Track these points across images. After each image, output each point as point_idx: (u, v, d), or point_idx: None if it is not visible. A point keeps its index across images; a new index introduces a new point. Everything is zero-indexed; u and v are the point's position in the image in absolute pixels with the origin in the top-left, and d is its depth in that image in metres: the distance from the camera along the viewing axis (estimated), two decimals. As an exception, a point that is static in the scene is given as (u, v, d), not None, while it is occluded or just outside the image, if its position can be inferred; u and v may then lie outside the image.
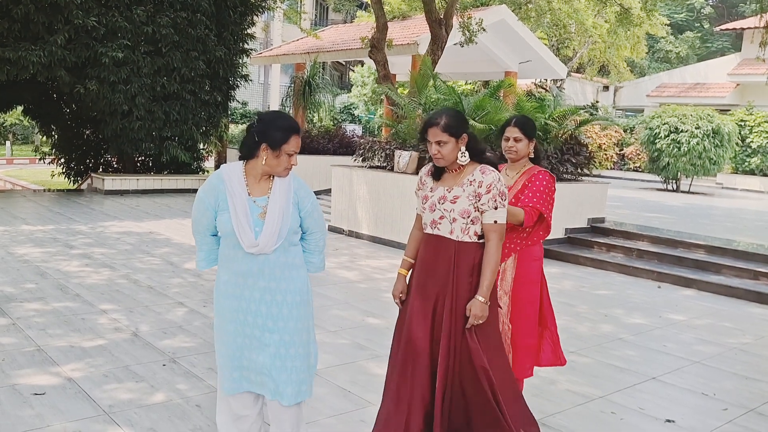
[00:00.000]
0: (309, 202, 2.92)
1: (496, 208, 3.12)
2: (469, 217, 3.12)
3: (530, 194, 3.72)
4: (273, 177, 2.87)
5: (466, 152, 3.15)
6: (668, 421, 4.12)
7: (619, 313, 6.68)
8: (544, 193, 3.73)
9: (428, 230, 3.22)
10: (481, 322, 3.07)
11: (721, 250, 8.70)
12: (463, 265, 3.13)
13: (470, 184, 3.13)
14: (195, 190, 14.96)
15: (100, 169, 15.81)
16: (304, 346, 2.92)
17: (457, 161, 3.15)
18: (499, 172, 3.32)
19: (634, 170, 23.80)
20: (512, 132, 3.79)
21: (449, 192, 3.16)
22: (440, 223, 3.16)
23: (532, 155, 3.86)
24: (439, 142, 3.11)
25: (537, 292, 3.81)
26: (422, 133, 3.20)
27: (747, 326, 6.47)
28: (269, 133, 2.75)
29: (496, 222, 3.13)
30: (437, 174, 3.26)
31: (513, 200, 3.75)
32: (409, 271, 3.35)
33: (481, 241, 3.16)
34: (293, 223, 2.86)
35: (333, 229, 10.77)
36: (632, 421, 4.10)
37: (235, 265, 2.86)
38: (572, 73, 28.12)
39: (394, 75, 13.62)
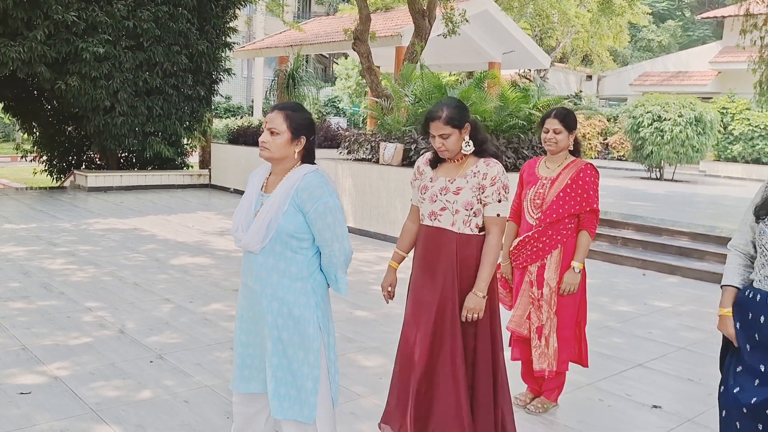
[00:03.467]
0: (313, 206, 2.58)
1: (499, 201, 3.08)
2: (472, 209, 3.08)
3: (583, 193, 3.73)
4: (288, 174, 2.67)
5: (470, 141, 3.11)
6: (655, 406, 4.16)
7: (605, 301, 6.73)
8: (595, 190, 3.77)
9: (427, 222, 3.17)
10: (476, 316, 3.05)
11: (704, 236, 8.77)
12: (466, 259, 3.09)
13: (474, 176, 3.09)
14: (179, 186, 14.89)
15: (83, 166, 15.65)
16: (291, 363, 2.64)
17: (462, 151, 3.11)
18: (536, 162, 3.33)
19: (618, 159, 23.92)
20: (552, 124, 3.77)
21: (451, 183, 3.11)
22: (441, 215, 3.11)
23: (571, 147, 3.84)
24: (442, 135, 3.06)
25: (579, 284, 3.83)
26: (424, 127, 3.15)
27: (731, 312, 6.54)
28: None
29: (498, 215, 3.09)
30: (435, 163, 3.22)
31: (560, 194, 3.73)
32: (399, 263, 3.32)
33: (482, 233, 3.13)
34: (287, 226, 2.58)
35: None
36: (619, 408, 4.14)
37: (243, 258, 2.79)
38: (555, 63, 28.19)
39: (378, 67, 13.61)
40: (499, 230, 3.11)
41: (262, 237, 2.59)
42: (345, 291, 2.74)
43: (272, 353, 2.65)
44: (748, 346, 2.58)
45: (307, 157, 2.72)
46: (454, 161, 3.17)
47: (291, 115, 2.64)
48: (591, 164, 3.82)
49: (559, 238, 3.75)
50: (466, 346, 3.11)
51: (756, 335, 2.56)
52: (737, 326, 2.64)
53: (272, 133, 2.62)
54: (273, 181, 2.70)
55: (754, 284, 2.62)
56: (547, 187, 3.79)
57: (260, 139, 2.64)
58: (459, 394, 3.07)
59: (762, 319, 2.54)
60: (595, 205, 3.75)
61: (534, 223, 3.80)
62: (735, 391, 2.57)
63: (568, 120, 3.77)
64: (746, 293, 2.63)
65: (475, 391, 3.13)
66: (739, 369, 2.60)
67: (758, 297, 2.57)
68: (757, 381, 2.51)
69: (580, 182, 3.74)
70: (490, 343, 3.16)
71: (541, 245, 3.77)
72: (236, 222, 2.70)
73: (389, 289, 3.29)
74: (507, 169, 8.54)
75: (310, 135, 2.70)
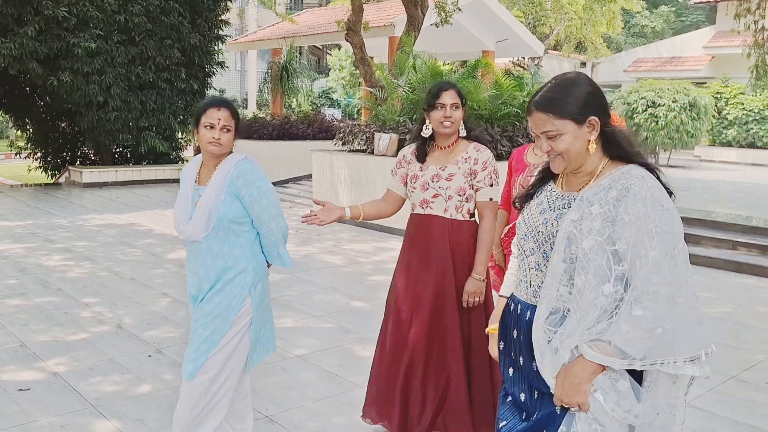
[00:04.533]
0: (248, 191, 2.75)
1: (491, 186, 3.12)
2: (464, 194, 3.12)
3: None
4: (219, 164, 2.80)
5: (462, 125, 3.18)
6: (651, 391, 4.18)
7: (602, 287, 6.74)
8: None
9: (418, 210, 3.20)
10: (477, 300, 3.10)
11: (699, 221, 8.80)
12: (459, 245, 3.13)
13: (465, 162, 3.12)
14: (175, 180, 14.85)
15: (78, 162, 15.62)
16: (207, 329, 2.75)
17: (459, 132, 3.16)
18: (525, 150, 3.57)
19: (613, 146, 23.89)
20: None
21: (443, 170, 3.14)
22: (433, 202, 3.15)
23: None
24: (454, 105, 3.07)
25: None
26: (434, 97, 3.09)
27: (726, 296, 6.57)
28: (193, 115, 2.83)
29: (491, 199, 3.13)
30: (423, 154, 3.23)
31: None
32: (355, 215, 3.20)
33: (472, 219, 3.18)
34: (227, 213, 2.73)
35: (315, 215, 10.74)
36: (616, 393, 4.15)
37: (186, 248, 2.93)
38: (549, 51, 28.14)
39: (372, 57, 13.56)
40: (492, 214, 3.15)
41: (204, 226, 2.74)
42: (289, 263, 2.91)
43: (195, 319, 2.80)
44: (510, 370, 2.07)
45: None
46: (444, 148, 3.19)
47: (236, 112, 2.83)
48: None
49: None
50: (461, 332, 3.14)
51: (512, 354, 2.05)
52: (500, 346, 2.11)
53: (226, 129, 2.76)
54: (205, 173, 2.85)
55: (515, 291, 2.08)
56: (536, 173, 3.80)
57: (213, 136, 2.75)
58: (458, 379, 3.10)
59: (515, 333, 2.02)
60: None
61: None
62: (501, 425, 2.05)
63: None
64: (508, 303, 2.10)
65: (472, 377, 3.16)
66: (507, 398, 2.07)
67: (511, 306, 2.06)
68: (524, 415, 2.00)
69: None
70: (485, 329, 3.19)
71: None
72: (177, 216, 2.83)
73: (322, 202, 3.06)
74: (502, 158, 8.56)
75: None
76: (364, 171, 9.85)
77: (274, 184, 13.73)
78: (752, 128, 21.16)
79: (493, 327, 2.20)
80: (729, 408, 3.96)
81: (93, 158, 15.60)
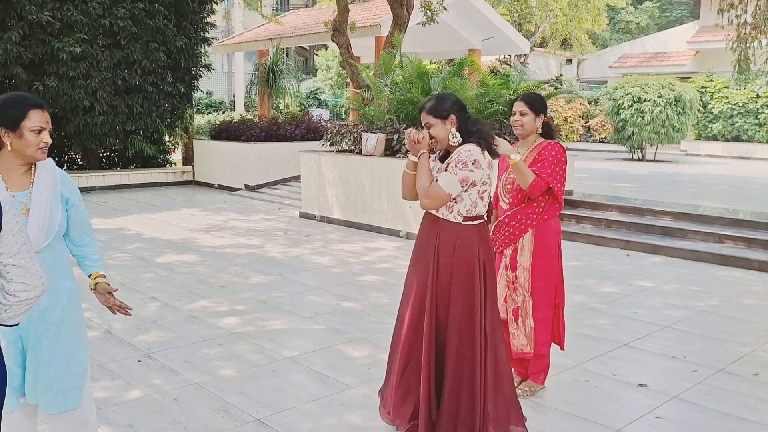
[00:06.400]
0: (76, 195, 2.73)
1: (445, 169, 3.15)
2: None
3: (540, 166, 3.75)
4: (35, 169, 2.59)
5: (457, 133, 3.19)
6: (641, 385, 4.22)
7: (590, 283, 6.78)
8: (553, 164, 3.74)
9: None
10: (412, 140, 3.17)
11: (686, 215, 8.86)
12: (444, 244, 3.18)
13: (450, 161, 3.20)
14: (163, 184, 14.81)
15: (65, 167, 15.49)
16: (68, 352, 2.68)
17: (449, 143, 3.20)
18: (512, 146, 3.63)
19: (600, 141, 24.06)
20: (518, 107, 3.83)
21: (437, 172, 3.23)
22: None
23: (540, 131, 3.87)
24: (427, 125, 3.20)
25: (554, 265, 3.90)
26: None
27: (713, 289, 6.62)
28: (2, 115, 2.47)
29: (436, 180, 3.15)
30: (444, 157, 3.34)
31: None
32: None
33: (466, 223, 3.19)
34: (62, 219, 2.64)
35: (304, 216, 10.74)
36: (606, 388, 4.19)
37: None
38: (535, 48, 28.24)
39: (359, 57, 13.57)
40: (435, 190, 3.12)
41: (45, 237, 2.56)
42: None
43: (46, 349, 2.62)
44: None
45: None
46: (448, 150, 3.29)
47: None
48: (556, 142, 3.86)
49: (528, 222, 3.82)
50: (436, 333, 3.21)
51: None
52: None
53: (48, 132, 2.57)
54: (17, 179, 2.57)
55: None
56: None
57: (45, 140, 2.53)
58: (423, 378, 3.16)
59: None
60: (544, 175, 3.71)
61: (506, 207, 3.87)
62: None
63: (534, 103, 3.82)
64: None
65: (445, 376, 3.21)
66: None
67: None
68: None
69: (540, 157, 3.77)
70: (462, 332, 3.23)
71: (511, 229, 3.84)
72: None
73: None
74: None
75: None
76: (353, 171, 9.86)
77: (264, 186, 13.73)
78: (737, 122, 21.34)
79: None
80: (717, 400, 4.00)
81: (80, 163, 15.50)
